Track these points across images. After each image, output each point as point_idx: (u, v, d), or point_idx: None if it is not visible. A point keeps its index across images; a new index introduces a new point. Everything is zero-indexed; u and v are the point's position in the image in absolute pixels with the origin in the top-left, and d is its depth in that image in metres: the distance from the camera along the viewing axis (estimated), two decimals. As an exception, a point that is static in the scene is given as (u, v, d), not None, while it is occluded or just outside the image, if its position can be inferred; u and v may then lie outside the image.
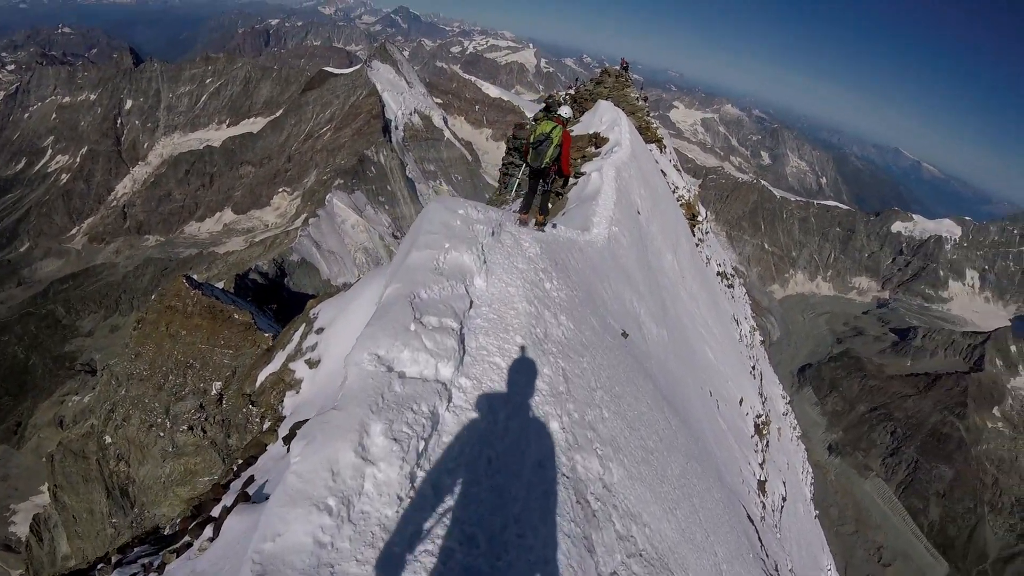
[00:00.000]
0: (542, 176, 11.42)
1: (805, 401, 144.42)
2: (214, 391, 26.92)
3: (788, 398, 56.96)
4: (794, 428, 52.30)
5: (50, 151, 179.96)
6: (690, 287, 27.06)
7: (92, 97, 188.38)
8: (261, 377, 12.38)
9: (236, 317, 29.37)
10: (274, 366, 12.23)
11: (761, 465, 27.07)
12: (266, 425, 10.53)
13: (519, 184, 16.23)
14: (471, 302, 7.03)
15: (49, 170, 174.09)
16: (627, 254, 16.53)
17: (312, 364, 10.37)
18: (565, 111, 11.75)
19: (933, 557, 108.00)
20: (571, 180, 20.63)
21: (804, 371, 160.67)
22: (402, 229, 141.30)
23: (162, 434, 26.73)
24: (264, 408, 10.71)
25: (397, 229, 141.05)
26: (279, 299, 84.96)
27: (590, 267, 12.50)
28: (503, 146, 49.51)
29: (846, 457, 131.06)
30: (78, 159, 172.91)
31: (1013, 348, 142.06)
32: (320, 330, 10.97)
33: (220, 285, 66.42)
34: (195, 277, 38.33)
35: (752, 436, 28.10)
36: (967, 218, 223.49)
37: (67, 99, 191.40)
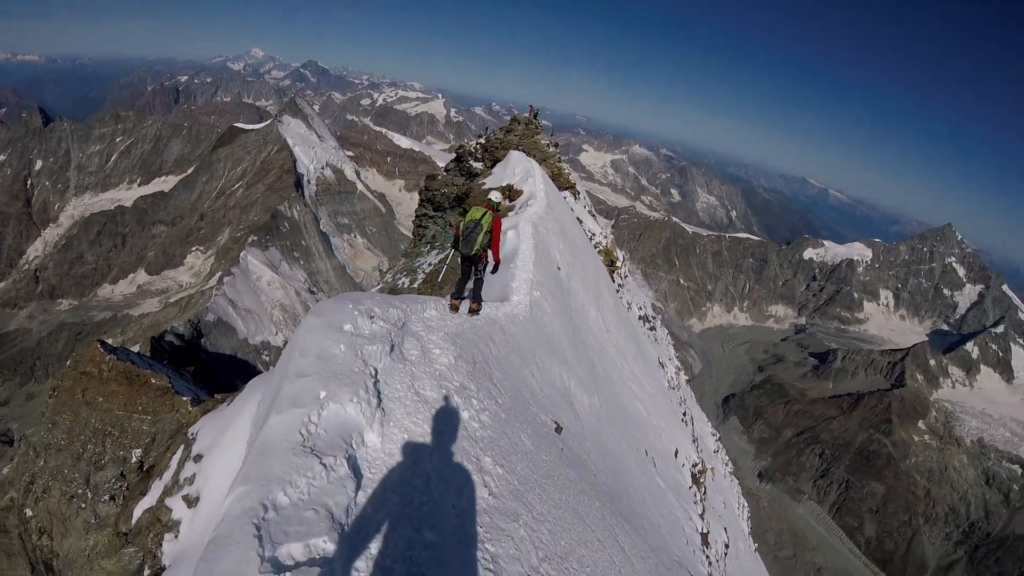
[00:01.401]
0: (474, 262, 11.23)
1: (732, 431, 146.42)
2: (134, 459, 25.77)
3: (717, 435, 57.40)
4: (726, 464, 52.66)
5: None
6: (616, 340, 26.30)
7: (1, 158, 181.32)
8: (137, 512, 10.56)
9: (153, 382, 28.45)
10: (150, 499, 10.48)
11: (702, 516, 26.63)
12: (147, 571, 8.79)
13: (445, 271, 15.44)
14: (358, 482, 5.35)
15: None
16: (551, 321, 15.51)
17: (190, 502, 8.80)
18: (495, 196, 11.55)
19: (873, 573, 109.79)
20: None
21: (728, 401, 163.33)
22: (318, 284, 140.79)
23: (83, 505, 25.44)
24: (142, 552, 9.00)
25: (313, 284, 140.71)
26: (196, 360, 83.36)
27: (514, 349, 11.65)
28: (416, 197, 48.66)
29: (777, 483, 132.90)
30: None
31: (932, 361, 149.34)
32: (199, 457, 9.42)
33: (136, 348, 64.29)
34: (110, 341, 37.38)
35: (690, 488, 27.64)
36: (877, 240, 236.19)
37: None
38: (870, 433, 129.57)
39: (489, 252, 11.18)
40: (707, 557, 23.61)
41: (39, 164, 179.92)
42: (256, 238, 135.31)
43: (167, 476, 10.36)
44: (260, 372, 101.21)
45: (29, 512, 28.12)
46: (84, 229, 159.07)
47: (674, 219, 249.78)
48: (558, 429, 10.65)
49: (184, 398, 28.73)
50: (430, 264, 33.10)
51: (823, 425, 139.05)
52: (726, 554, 29.97)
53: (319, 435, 5.63)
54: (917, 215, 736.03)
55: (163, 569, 8.12)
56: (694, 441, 33.68)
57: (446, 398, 7.54)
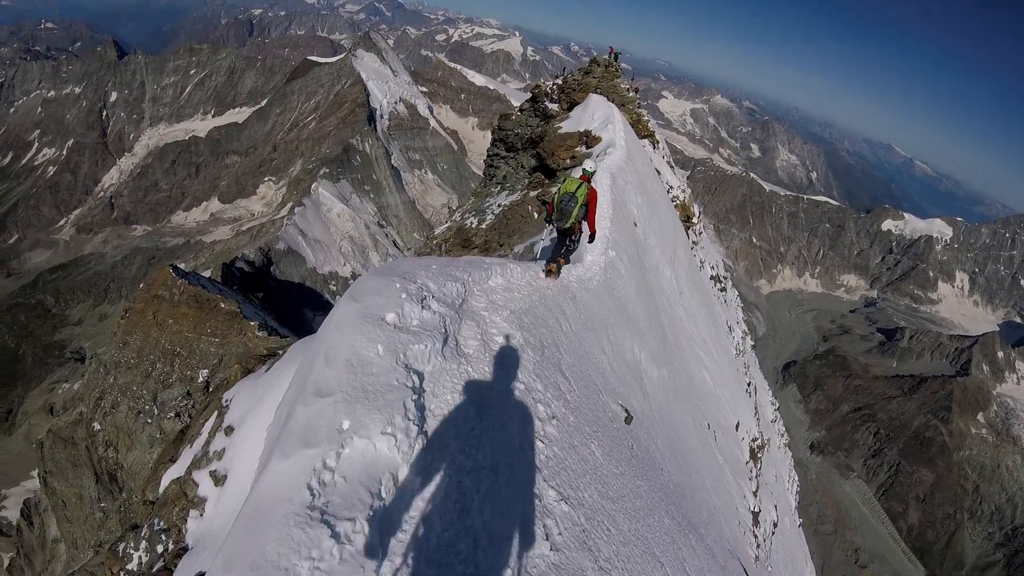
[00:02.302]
0: (568, 234, 10.80)
1: (789, 398, 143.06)
2: (201, 379, 27.87)
3: (776, 404, 55.83)
4: (781, 435, 51.39)
5: (36, 144, 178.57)
6: (688, 304, 24.99)
7: (77, 91, 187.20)
8: (165, 481, 10.14)
9: (222, 306, 30.44)
10: (179, 468, 10.02)
11: (755, 493, 26.17)
12: (171, 546, 8.37)
13: (542, 246, 14.91)
14: (381, 555, 3.96)
15: (36, 163, 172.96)
16: (625, 285, 14.39)
17: (218, 480, 8.27)
18: (590, 165, 10.80)
19: (910, 561, 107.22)
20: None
21: (789, 368, 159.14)
22: (387, 218, 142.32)
23: (150, 420, 27.72)
24: (167, 524, 8.56)
25: (382, 218, 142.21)
26: (265, 288, 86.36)
27: (586, 323, 10.60)
28: (489, 136, 47.44)
29: (828, 456, 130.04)
30: (64, 152, 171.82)
31: (1000, 354, 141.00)
32: (230, 430, 8.81)
33: (207, 274, 67.06)
34: (182, 266, 39.35)
35: (747, 463, 26.87)
36: (959, 219, 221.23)
37: (52, 93, 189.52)
38: (927, 418, 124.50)
39: (584, 223, 10.67)
40: (755, 536, 23.20)
41: (114, 96, 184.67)
42: (328, 170, 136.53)
43: (198, 445, 9.86)
44: (327, 302, 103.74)
45: (97, 426, 29.89)
46: (159, 158, 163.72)
47: (752, 175, 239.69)
48: (628, 419, 9.76)
49: (252, 323, 29.97)
50: (499, 205, 32.13)
51: (881, 404, 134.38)
52: (773, 532, 29.45)
53: (335, 487, 4.26)
54: (1002, 198, 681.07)
55: (185, 549, 7.64)
56: (755, 414, 32.46)
57: (507, 407, 6.33)
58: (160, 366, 28.84)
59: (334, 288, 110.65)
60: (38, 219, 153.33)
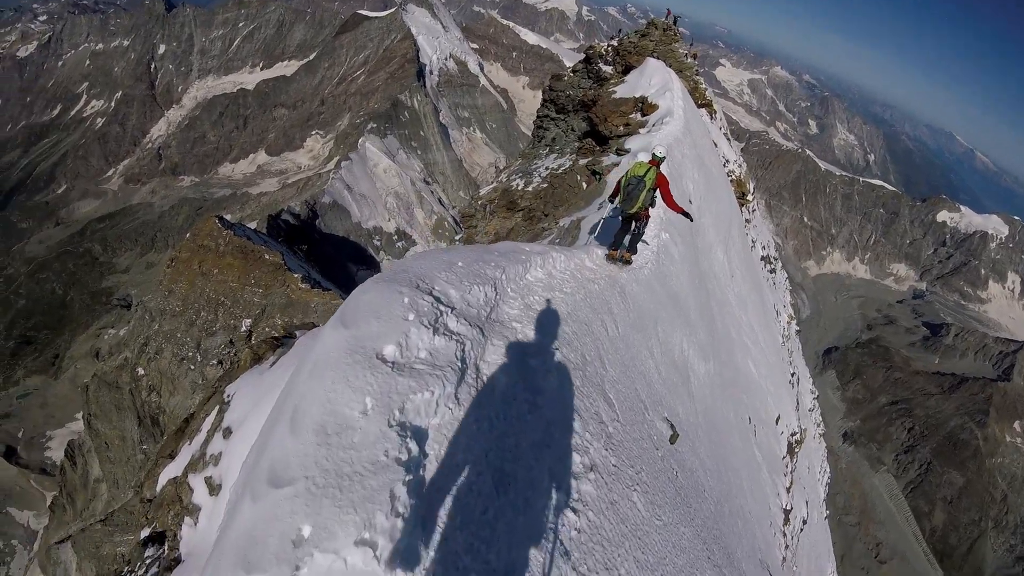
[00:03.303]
0: (635, 219, 10.52)
1: (827, 384, 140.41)
2: (244, 328, 28.66)
3: (816, 393, 54.56)
4: (817, 424, 50.31)
5: (85, 97, 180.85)
6: (739, 288, 23.70)
7: (125, 43, 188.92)
8: (162, 480, 9.55)
9: (267, 257, 31.18)
10: (176, 467, 9.39)
11: (788, 489, 25.51)
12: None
13: (591, 222, 14.35)
14: None
15: (85, 115, 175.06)
16: (677, 271, 13.31)
17: (212, 488, 7.64)
18: (660, 150, 10.46)
19: (930, 563, 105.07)
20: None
21: (830, 353, 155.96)
22: (433, 175, 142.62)
23: (193, 367, 28.53)
24: (161, 527, 7.98)
25: (428, 175, 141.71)
26: (310, 240, 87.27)
27: (634, 321, 9.67)
28: (539, 96, 46.01)
29: (860, 447, 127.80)
30: (113, 103, 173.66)
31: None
32: (228, 432, 8.10)
33: (252, 226, 68.05)
34: (228, 217, 39.91)
35: (783, 457, 25.94)
36: (1016, 218, 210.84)
37: (100, 46, 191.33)
38: (964, 420, 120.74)
39: (651, 210, 10.37)
40: (785, 536, 22.64)
41: (162, 48, 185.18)
42: (375, 125, 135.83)
43: (196, 443, 9.27)
44: (370, 256, 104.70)
45: (141, 371, 30.62)
46: (207, 110, 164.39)
47: (808, 152, 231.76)
48: (673, 438, 8.96)
49: (295, 275, 30.26)
50: (547, 168, 31.04)
51: (919, 400, 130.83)
52: (802, 529, 28.54)
53: None
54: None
55: (178, 561, 7.00)
56: (796, 407, 31.33)
57: (534, 472, 4.96)
58: (204, 314, 29.48)
59: (378, 243, 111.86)
60: (87, 169, 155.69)
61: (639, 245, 11.10)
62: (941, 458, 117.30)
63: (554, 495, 5.07)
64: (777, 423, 25.21)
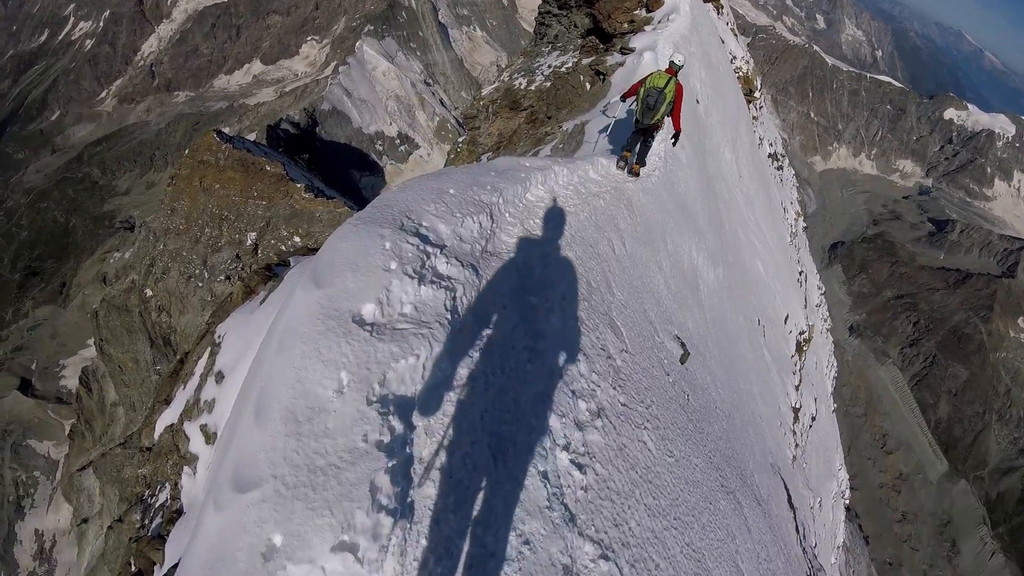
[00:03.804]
0: (649, 131, 10.10)
1: (833, 279, 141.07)
2: (249, 241, 28.48)
3: (823, 289, 54.93)
4: (824, 320, 50.78)
5: (72, 19, 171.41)
6: (746, 188, 23.21)
7: None
8: (159, 428, 9.38)
9: (268, 168, 30.70)
10: (172, 414, 9.20)
11: (797, 388, 26.08)
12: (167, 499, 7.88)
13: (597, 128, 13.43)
14: None
15: (73, 38, 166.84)
16: (686, 176, 12.94)
17: (208, 437, 7.48)
18: (679, 58, 9.83)
19: (935, 453, 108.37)
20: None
21: (836, 248, 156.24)
22: (434, 76, 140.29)
23: (200, 284, 28.52)
24: (162, 478, 7.90)
25: (429, 76, 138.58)
26: (311, 149, 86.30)
27: (642, 235, 9.44)
28: (541, -10, 44.01)
29: (866, 340, 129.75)
30: (101, 23, 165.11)
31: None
32: (220, 376, 7.86)
33: (251, 137, 67.13)
34: (226, 131, 38.64)
35: (792, 356, 26.28)
36: (1023, 117, 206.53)
37: None
38: (968, 315, 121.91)
39: (668, 120, 9.94)
40: (794, 434, 23.16)
41: None
42: (372, 28, 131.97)
43: (190, 388, 9.08)
44: (373, 162, 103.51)
45: (149, 292, 30.46)
46: (198, 22, 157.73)
47: (815, 47, 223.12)
48: (684, 357, 8.81)
49: (298, 184, 29.79)
50: (550, 66, 30.01)
51: (924, 295, 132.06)
52: (811, 426, 29.11)
53: None
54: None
55: (180, 513, 6.95)
56: (804, 305, 31.44)
57: (534, 433, 4.55)
58: (208, 231, 29.12)
59: (380, 148, 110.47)
60: (79, 93, 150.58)
61: (647, 157, 10.71)
62: (946, 352, 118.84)
63: (557, 455, 4.69)
64: (786, 322, 25.31)
